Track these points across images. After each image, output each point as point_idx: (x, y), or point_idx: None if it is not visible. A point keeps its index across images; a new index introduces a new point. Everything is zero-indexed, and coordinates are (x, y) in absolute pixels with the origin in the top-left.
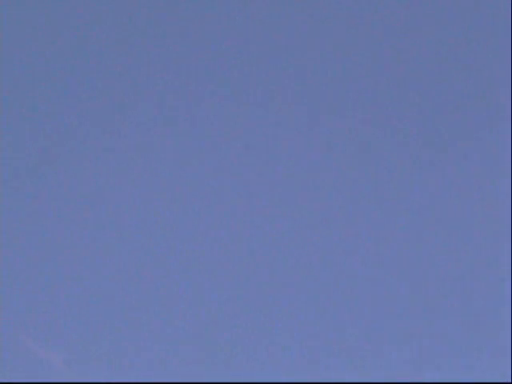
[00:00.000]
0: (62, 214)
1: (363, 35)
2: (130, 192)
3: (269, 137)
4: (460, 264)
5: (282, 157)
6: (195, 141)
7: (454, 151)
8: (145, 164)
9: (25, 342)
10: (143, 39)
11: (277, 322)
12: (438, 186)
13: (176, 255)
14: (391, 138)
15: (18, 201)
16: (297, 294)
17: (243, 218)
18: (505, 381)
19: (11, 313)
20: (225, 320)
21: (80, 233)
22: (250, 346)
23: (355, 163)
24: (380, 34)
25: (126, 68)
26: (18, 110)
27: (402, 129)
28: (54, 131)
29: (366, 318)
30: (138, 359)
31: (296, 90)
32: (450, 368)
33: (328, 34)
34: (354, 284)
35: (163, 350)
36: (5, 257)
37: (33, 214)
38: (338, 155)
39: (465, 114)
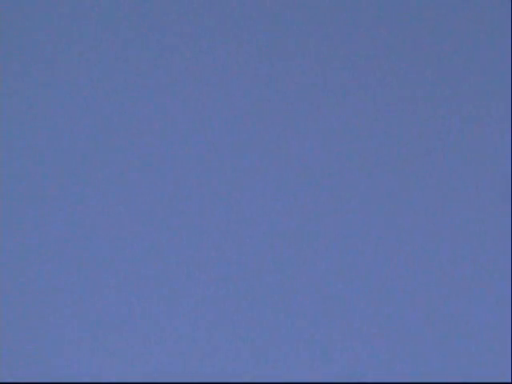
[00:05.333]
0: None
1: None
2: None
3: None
4: (460, 262)
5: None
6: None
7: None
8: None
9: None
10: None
11: (277, 323)
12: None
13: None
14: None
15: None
16: (296, 296)
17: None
18: (505, 381)
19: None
20: (223, 324)
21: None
22: (250, 345)
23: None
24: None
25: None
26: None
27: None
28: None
29: (366, 316)
30: (137, 359)
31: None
32: (450, 368)
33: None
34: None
35: (162, 351)
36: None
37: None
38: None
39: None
